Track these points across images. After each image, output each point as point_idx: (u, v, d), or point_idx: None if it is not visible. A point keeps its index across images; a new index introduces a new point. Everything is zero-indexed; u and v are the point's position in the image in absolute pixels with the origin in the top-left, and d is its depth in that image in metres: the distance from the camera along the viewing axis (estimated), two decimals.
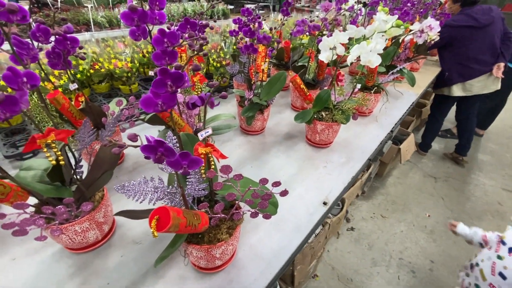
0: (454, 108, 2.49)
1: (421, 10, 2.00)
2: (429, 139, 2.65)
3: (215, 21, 1.39)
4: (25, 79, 0.37)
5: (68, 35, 0.62)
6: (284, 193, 0.54)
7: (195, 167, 0.40)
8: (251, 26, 1.05)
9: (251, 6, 8.08)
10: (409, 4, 1.97)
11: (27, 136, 0.96)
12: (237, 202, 0.54)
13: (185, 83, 0.39)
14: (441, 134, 3.05)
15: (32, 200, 0.55)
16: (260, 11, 8.26)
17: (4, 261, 0.61)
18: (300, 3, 9.43)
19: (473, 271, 1.10)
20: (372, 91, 1.23)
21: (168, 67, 0.41)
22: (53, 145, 0.45)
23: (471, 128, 2.43)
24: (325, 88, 1.04)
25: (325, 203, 0.82)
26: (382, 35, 0.84)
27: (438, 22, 1.24)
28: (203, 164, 0.52)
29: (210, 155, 0.49)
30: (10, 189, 0.48)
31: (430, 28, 1.25)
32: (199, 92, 0.78)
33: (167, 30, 0.52)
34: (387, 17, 1.09)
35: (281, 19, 1.72)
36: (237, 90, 1.05)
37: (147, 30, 0.62)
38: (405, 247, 1.78)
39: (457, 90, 2.20)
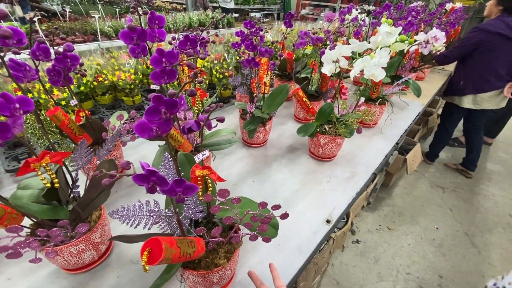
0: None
1: (426, 19, 1.98)
2: (437, 149, 2.60)
3: (216, 34, 1.40)
4: (17, 105, 0.36)
5: (69, 53, 0.62)
6: (284, 216, 0.52)
7: (190, 194, 0.38)
8: (253, 39, 1.05)
9: (256, 14, 8.14)
10: (413, 13, 1.96)
11: (29, 151, 0.97)
12: (236, 225, 0.52)
13: (179, 109, 0.38)
14: (449, 143, 2.98)
15: (28, 220, 0.54)
16: (265, 19, 8.37)
17: (0, 281, 0.60)
18: (305, 10, 9.51)
19: None
20: (377, 103, 1.21)
21: (168, 86, 0.39)
22: (48, 168, 0.44)
23: (480, 141, 2.36)
24: (328, 100, 1.02)
25: (328, 221, 0.79)
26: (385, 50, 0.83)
27: (443, 33, 1.22)
28: (200, 187, 0.50)
29: (208, 177, 0.48)
30: (4, 212, 0.47)
31: (435, 39, 1.23)
32: (199, 108, 0.77)
33: (166, 50, 0.51)
34: (391, 29, 1.08)
35: (285, 31, 1.72)
36: (238, 104, 1.05)
37: (147, 48, 0.62)
38: (413, 261, 1.72)
39: (467, 102, 2.12)
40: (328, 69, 0.96)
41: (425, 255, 1.76)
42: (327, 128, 0.98)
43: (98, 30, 3.36)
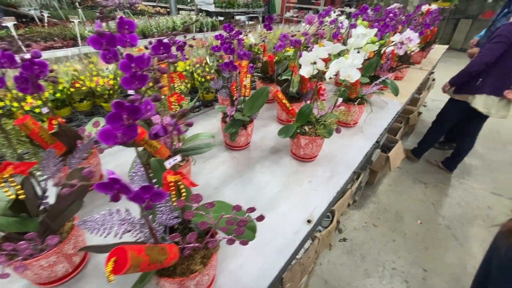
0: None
1: (403, 21, 2.04)
2: (426, 147, 2.62)
3: (193, 37, 1.39)
4: None
5: (36, 59, 0.60)
6: (260, 218, 0.52)
7: (159, 200, 0.38)
8: (232, 42, 1.05)
9: (241, 17, 8.17)
10: (391, 15, 2.02)
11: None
12: (212, 229, 0.52)
13: (144, 114, 0.37)
14: (441, 147, 2.99)
15: None
16: (250, 22, 8.38)
17: None
18: (289, 13, 9.62)
19: None
20: (356, 103, 1.24)
21: (149, 91, 0.39)
22: (11, 179, 0.43)
23: (471, 146, 2.38)
24: (308, 102, 1.04)
25: (309, 221, 0.80)
26: (358, 51, 0.85)
27: (417, 34, 1.27)
28: (174, 192, 0.50)
29: (181, 182, 0.48)
30: None
31: (409, 40, 1.28)
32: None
33: (135, 55, 0.51)
34: (366, 30, 1.11)
35: (265, 34, 1.73)
36: (219, 107, 1.04)
37: (118, 53, 0.61)
38: (398, 256, 1.76)
39: (479, 103, 2.00)
40: (306, 71, 0.98)
41: (409, 250, 1.81)
42: (307, 129, 1.00)
43: (78, 35, 3.28)
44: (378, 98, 1.65)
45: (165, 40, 0.70)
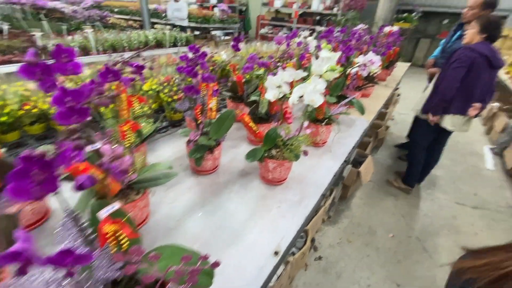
0: None
1: (368, 41, 2.16)
2: (415, 174, 2.50)
3: (154, 59, 1.34)
4: None
5: None
6: (214, 265, 0.48)
7: (83, 263, 0.33)
8: (197, 64, 1.02)
9: (216, 32, 8.24)
10: (356, 35, 2.12)
11: None
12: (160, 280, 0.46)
13: (65, 163, 0.32)
14: (403, 158, 3.09)
15: None
16: (226, 38, 8.47)
17: None
18: (264, 30, 9.90)
19: None
20: (323, 123, 1.25)
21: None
22: None
23: (438, 161, 2.48)
24: (276, 124, 1.03)
25: (276, 253, 0.76)
26: (320, 77, 0.86)
27: (379, 57, 1.33)
28: (114, 243, 0.44)
29: (120, 232, 0.42)
30: None
31: (371, 62, 1.33)
32: (131, 141, 0.71)
33: (70, 88, 0.46)
34: (331, 53, 1.14)
35: (233, 53, 1.72)
36: (182, 131, 1.00)
37: (56, 83, 0.55)
38: (372, 272, 1.77)
39: (447, 122, 2.06)
40: (272, 95, 0.97)
41: (383, 264, 1.82)
42: (274, 153, 0.98)
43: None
44: (346, 116, 1.69)
45: (133, 57, 0.65)
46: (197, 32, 8.26)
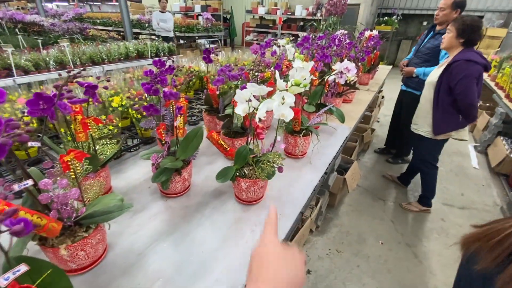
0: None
1: (347, 47, 2.14)
2: (433, 191, 2.30)
3: (107, 78, 1.26)
4: None
5: None
6: None
7: None
8: (159, 80, 0.95)
9: (201, 41, 8.20)
10: (336, 41, 2.10)
11: None
12: None
13: None
14: (394, 161, 3.07)
15: None
16: (212, 45, 8.48)
17: None
18: (249, 37, 9.94)
19: None
20: (301, 135, 1.20)
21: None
22: None
23: None
24: (246, 141, 0.97)
25: None
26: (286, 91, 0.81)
27: (354, 64, 1.29)
28: None
29: None
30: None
31: (347, 70, 1.30)
32: (75, 171, 0.63)
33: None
34: (303, 63, 1.09)
35: (218, 59, 1.67)
36: (143, 154, 0.92)
37: None
38: (363, 283, 1.71)
39: (464, 134, 1.96)
40: (241, 109, 0.91)
41: (373, 274, 1.77)
42: (246, 171, 0.91)
43: (13, 65, 2.99)
44: (326, 125, 1.64)
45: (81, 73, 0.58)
46: (181, 41, 8.22)
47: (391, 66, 3.97)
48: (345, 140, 1.52)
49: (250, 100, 0.89)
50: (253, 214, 0.94)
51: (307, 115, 1.54)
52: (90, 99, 0.80)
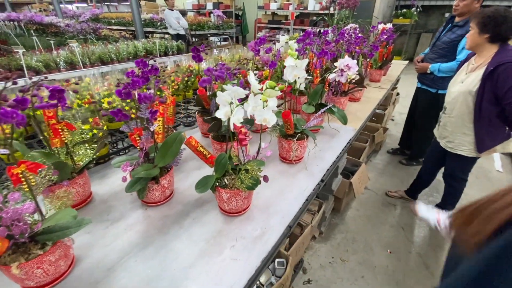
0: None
1: (355, 42, 2.00)
2: (454, 205, 2.10)
3: (76, 82, 1.22)
4: None
5: None
6: None
7: None
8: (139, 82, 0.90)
9: (213, 38, 8.18)
10: (346, 35, 1.97)
11: None
12: None
13: None
14: (407, 163, 2.91)
15: None
16: (224, 43, 8.42)
17: None
18: (261, 33, 9.81)
19: None
20: (295, 139, 1.11)
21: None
22: None
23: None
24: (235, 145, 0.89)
25: None
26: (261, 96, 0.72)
27: (355, 61, 1.18)
28: None
29: None
30: None
31: (348, 67, 1.19)
32: (29, 184, 0.58)
33: None
34: (296, 61, 1.00)
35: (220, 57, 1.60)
36: (116, 161, 0.87)
37: None
38: None
39: (510, 146, 1.73)
40: (223, 113, 0.83)
41: (379, 286, 1.65)
42: (227, 181, 0.84)
43: (24, 65, 3.08)
44: (328, 125, 1.53)
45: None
46: (194, 39, 8.23)
47: (407, 62, 3.74)
48: (348, 143, 1.41)
49: (232, 103, 0.82)
50: (236, 226, 0.87)
51: (306, 116, 1.44)
52: (59, 104, 0.75)
